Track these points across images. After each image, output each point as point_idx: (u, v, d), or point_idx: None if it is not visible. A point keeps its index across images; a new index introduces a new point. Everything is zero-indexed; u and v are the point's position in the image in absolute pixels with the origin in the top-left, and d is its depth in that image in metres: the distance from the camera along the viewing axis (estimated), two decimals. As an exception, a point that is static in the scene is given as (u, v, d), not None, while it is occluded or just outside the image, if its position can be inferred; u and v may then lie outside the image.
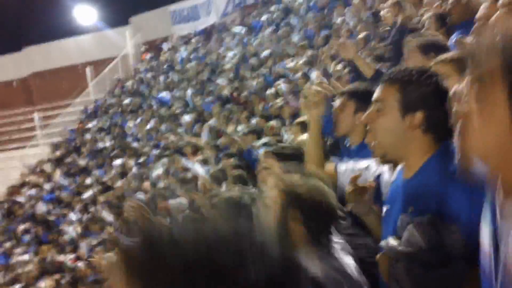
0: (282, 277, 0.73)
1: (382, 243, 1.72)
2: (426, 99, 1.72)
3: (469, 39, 3.11)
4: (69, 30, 24.32)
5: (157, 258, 0.72)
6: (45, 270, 11.13)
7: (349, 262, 1.96)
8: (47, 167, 17.31)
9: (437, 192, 1.64)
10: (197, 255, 0.71)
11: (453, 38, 3.84)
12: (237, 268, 0.70)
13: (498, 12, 2.39)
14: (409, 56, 3.45)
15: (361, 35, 9.29)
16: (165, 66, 19.87)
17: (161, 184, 11.04)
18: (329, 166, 2.74)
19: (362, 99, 2.78)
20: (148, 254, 0.73)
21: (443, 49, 3.35)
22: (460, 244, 1.56)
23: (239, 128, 10.58)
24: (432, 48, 3.36)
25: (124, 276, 0.75)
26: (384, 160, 2.10)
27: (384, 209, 1.95)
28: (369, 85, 3.05)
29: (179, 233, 0.75)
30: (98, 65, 22.60)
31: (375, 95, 1.86)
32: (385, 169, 2.31)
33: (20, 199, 15.84)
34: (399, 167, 1.94)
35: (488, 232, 1.25)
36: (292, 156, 2.97)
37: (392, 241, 1.66)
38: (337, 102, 2.98)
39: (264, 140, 7.78)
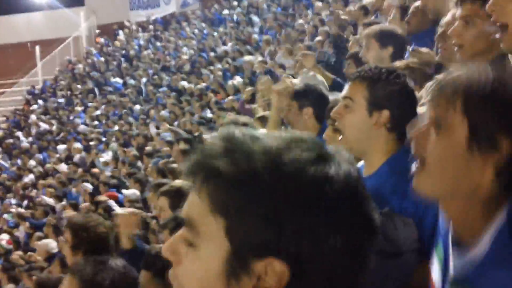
0: (358, 179, 0.75)
1: None
2: (393, 98, 1.78)
3: (424, 49, 3.19)
4: (20, 6, 23.37)
5: (241, 149, 0.71)
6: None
7: None
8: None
9: (395, 191, 1.69)
10: (278, 146, 0.72)
11: (410, 47, 3.93)
12: (315, 161, 0.71)
13: (456, 24, 2.43)
14: (368, 45, 3.54)
15: (318, 38, 9.56)
16: (120, 52, 19.40)
17: (108, 172, 10.78)
18: None
19: (301, 96, 3.15)
20: (232, 145, 0.72)
21: (400, 39, 3.53)
22: (414, 237, 1.64)
23: (193, 119, 10.48)
24: (389, 39, 3.48)
25: (200, 180, 0.72)
26: None
27: None
28: (304, 85, 3.37)
29: (257, 131, 0.76)
30: (49, 44, 21.80)
31: (344, 92, 1.90)
32: None
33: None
34: (359, 164, 1.96)
35: (439, 269, 1.26)
36: None
37: None
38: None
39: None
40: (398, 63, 2.77)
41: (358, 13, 7.84)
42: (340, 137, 1.90)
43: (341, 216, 0.71)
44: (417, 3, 4.07)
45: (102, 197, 8.48)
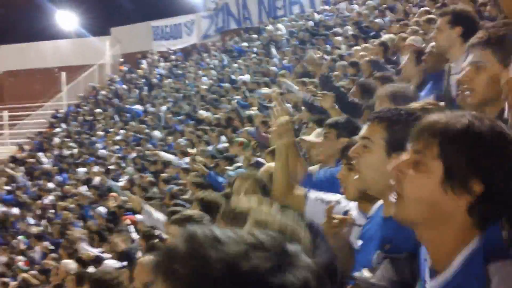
0: (316, 284, 0.74)
1: (356, 273, 1.75)
2: None
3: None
4: (48, 34, 24.19)
5: (200, 255, 0.71)
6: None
7: None
8: (10, 167, 16.99)
9: (413, 236, 1.72)
10: (237, 254, 0.71)
11: (427, 87, 4.03)
12: (273, 271, 0.71)
13: (467, 69, 2.58)
14: (380, 104, 3.53)
15: (336, 73, 9.73)
16: (142, 80, 19.91)
17: (124, 196, 10.98)
18: (299, 191, 2.82)
19: (342, 127, 3.23)
20: (191, 249, 0.72)
21: (412, 100, 3.44)
22: None
23: (209, 148, 10.72)
24: (402, 100, 3.42)
25: (161, 278, 0.74)
26: (360, 196, 2.13)
27: (358, 243, 1.98)
28: (347, 117, 3.44)
29: (221, 232, 0.75)
30: (74, 70, 22.48)
31: (362, 132, 1.89)
32: (353, 205, 2.38)
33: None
34: (377, 205, 1.96)
35: None
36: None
37: (366, 273, 1.71)
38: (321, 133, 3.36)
39: (238, 164, 7.99)
40: (414, 104, 2.77)
41: (378, 49, 7.99)
42: (356, 176, 1.90)
43: None
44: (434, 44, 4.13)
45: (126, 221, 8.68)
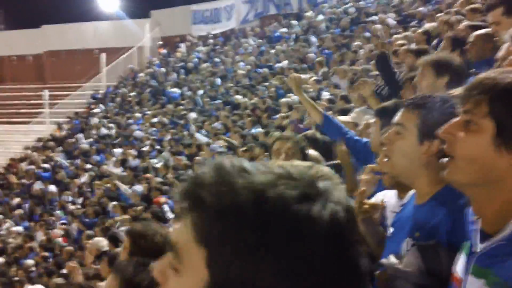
0: (345, 222, 0.70)
1: (383, 260, 1.76)
2: None
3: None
4: (89, 15, 24.57)
5: (227, 182, 0.69)
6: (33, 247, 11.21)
7: None
8: (49, 146, 17.41)
9: (446, 223, 1.66)
10: (264, 182, 0.69)
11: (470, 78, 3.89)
12: (300, 199, 0.68)
13: (510, 58, 2.47)
14: (423, 73, 3.40)
15: (374, 61, 9.56)
16: (179, 64, 20.01)
17: (159, 177, 11.13)
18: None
19: (387, 115, 2.80)
20: (218, 177, 0.70)
21: (457, 70, 3.31)
22: None
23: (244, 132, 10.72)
24: (446, 69, 3.31)
25: (188, 208, 0.72)
26: (394, 181, 2.11)
27: (390, 230, 1.98)
28: (395, 102, 3.10)
29: (249, 163, 0.73)
30: (113, 52, 22.76)
31: (395, 118, 1.89)
32: (391, 194, 2.36)
33: (19, 173, 15.98)
34: (410, 192, 1.95)
35: (464, 261, 1.31)
36: None
37: (393, 259, 1.71)
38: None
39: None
40: (455, 91, 2.62)
41: (421, 38, 7.77)
42: (387, 160, 1.88)
43: (320, 259, 0.68)
44: (477, 33, 4.03)
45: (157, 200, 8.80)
